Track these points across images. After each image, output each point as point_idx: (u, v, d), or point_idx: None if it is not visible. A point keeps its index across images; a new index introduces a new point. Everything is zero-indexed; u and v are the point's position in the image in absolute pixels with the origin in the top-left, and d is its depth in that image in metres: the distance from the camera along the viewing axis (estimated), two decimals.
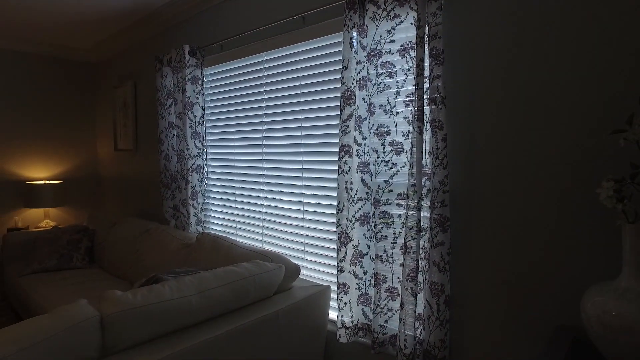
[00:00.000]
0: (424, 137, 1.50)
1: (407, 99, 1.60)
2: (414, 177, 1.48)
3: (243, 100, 2.45)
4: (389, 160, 1.63)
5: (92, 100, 4.29)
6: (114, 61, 3.91)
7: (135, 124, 3.57)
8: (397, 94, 1.62)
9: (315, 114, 2.04)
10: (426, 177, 1.54)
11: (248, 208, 2.48)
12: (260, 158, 2.36)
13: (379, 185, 1.65)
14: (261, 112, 2.34)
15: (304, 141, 2.10)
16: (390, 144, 1.63)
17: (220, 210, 2.71)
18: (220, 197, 2.69)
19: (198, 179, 2.74)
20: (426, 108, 1.52)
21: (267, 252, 1.93)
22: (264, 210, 2.36)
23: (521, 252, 1.38)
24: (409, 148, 1.60)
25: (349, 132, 1.70)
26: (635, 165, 1.07)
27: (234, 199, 2.58)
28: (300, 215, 2.15)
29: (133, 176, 3.73)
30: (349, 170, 1.71)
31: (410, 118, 1.59)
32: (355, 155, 1.75)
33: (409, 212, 1.50)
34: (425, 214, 1.55)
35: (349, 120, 1.70)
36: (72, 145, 4.16)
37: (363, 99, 1.73)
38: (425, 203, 1.55)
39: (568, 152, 1.27)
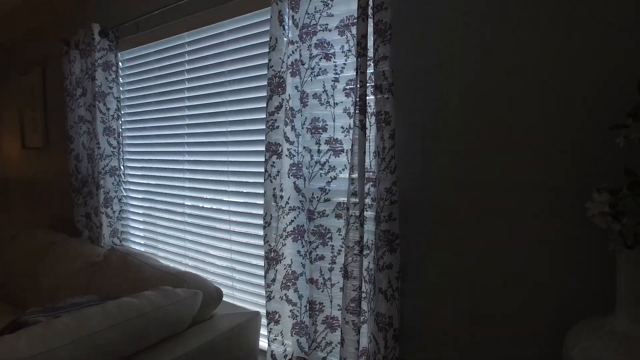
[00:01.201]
0: (368, 134, 1.21)
1: (348, 86, 1.30)
2: (354, 183, 1.18)
3: (163, 90, 2.07)
4: (325, 162, 1.33)
5: None
6: (20, 43, 3.36)
7: (44, 118, 3.06)
8: (336, 80, 1.31)
9: (242, 105, 1.70)
10: (370, 183, 1.25)
11: (170, 217, 2.10)
12: (182, 159, 1.99)
13: (312, 193, 1.34)
14: (183, 105, 1.97)
15: (230, 138, 1.76)
16: (327, 141, 1.32)
17: (141, 219, 2.30)
18: (140, 204, 2.29)
19: (113, 183, 2.32)
20: (370, 98, 1.22)
21: (183, 275, 1.57)
22: (187, 219, 1.99)
23: (488, 277, 1.12)
24: (350, 147, 1.30)
25: (278, 127, 1.38)
26: (632, 171, 0.83)
27: (155, 206, 2.18)
28: (227, 227, 1.80)
29: (43, 178, 3.21)
30: (277, 175, 1.39)
31: (352, 110, 1.29)
32: (287, 155, 1.43)
33: (350, 226, 1.20)
34: (369, 227, 1.26)
35: (278, 113, 1.38)
36: None
37: (296, 87, 1.42)
38: (369, 214, 1.26)
39: (550, 152, 1.02)
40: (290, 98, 1.41)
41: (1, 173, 3.76)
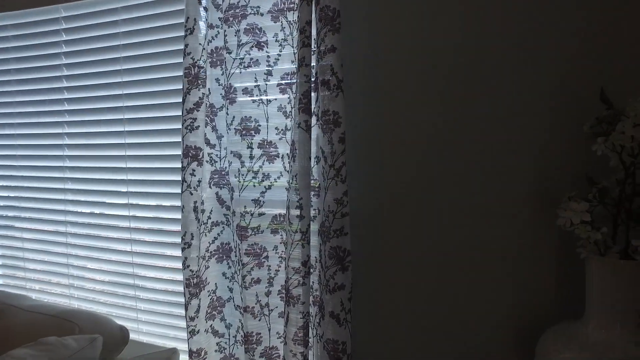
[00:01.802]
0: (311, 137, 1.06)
1: (283, 81, 1.12)
2: (298, 193, 1.02)
3: (29, 77, 1.62)
4: (258, 170, 1.13)
5: None
6: None
7: None
8: (269, 74, 1.13)
9: (144, 100, 1.40)
10: (312, 193, 1.09)
11: (44, 239, 1.66)
12: (62, 165, 1.58)
13: (245, 207, 1.14)
14: (61, 97, 1.56)
15: (128, 140, 1.44)
16: (260, 145, 1.13)
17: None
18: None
19: None
20: (313, 95, 1.07)
21: (72, 314, 1.23)
22: (70, 240, 1.59)
23: (448, 291, 1.06)
24: (286, 152, 1.13)
25: (198, 127, 1.14)
26: (592, 180, 0.82)
27: (20, 225, 1.72)
28: (127, 248, 1.48)
29: None
30: (198, 185, 1.15)
31: (288, 108, 1.12)
32: (207, 161, 1.20)
33: (293, 244, 1.03)
34: (313, 243, 1.11)
35: (198, 110, 1.14)
36: None
37: (217, 79, 1.19)
38: (313, 228, 1.11)
39: (512, 156, 0.98)
40: (210, 93, 1.19)
41: None
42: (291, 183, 1.04)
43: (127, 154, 1.44)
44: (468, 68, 0.99)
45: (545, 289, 0.96)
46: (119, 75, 1.43)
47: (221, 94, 1.20)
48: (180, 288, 1.41)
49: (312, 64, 1.04)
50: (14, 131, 1.68)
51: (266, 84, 1.13)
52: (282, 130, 1.13)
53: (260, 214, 1.13)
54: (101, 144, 1.49)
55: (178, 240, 1.38)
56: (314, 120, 1.08)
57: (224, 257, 1.23)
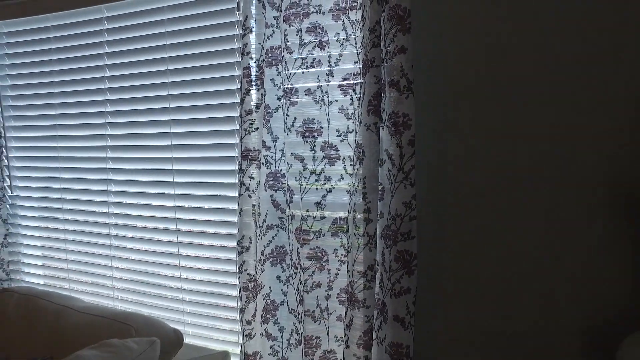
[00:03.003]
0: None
1: (345, 82, 1.10)
2: (366, 197, 1.00)
3: (71, 79, 1.61)
4: (320, 172, 1.12)
5: None
6: None
7: None
8: (330, 74, 1.11)
9: (191, 101, 1.39)
10: (378, 198, 1.08)
11: (86, 240, 1.66)
12: (105, 167, 1.57)
13: (307, 210, 1.12)
14: (102, 98, 1.55)
15: (175, 142, 1.42)
16: (322, 147, 1.11)
17: (39, 244, 1.79)
18: (38, 224, 1.77)
19: None
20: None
21: (127, 316, 1.21)
22: (114, 243, 1.58)
23: (517, 295, 1.04)
24: (348, 154, 1.11)
25: (257, 129, 1.13)
26: None
27: (62, 227, 1.71)
28: (174, 250, 1.46)
29: None
30: (257, 188, 1.14)
31: (351, 110, 1.10)
32: (264, 164, 1.18)
33: (359, 248, 1.02)
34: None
35: (255, 112, 1.12)
36: None
37: (272, 80, 1.18)
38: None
39: (591, 159, 0.96)
40: (266, 94, 1.17)
41: None
42: (357, 186, 1.02)
43: (173, 155, 1.43)
44: (540, 69, 0.97)
45: (620, 295, 0.94)
46: (164, 76, 1.42)
47: (277, 94, 1.18)
48: (226, 290, 1.39)
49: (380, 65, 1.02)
50: (56, 132, 1.68)
51: (328, 85, 1.11)
52: (343, 132, 1.11)
53: (322, 217, 1.11)
54: (146, 146, 1.48)
55: (225, 242, 1.37)
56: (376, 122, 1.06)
57: (279, 261, 1.21)
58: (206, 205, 1.39)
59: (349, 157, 1.11)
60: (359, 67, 1.09)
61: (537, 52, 0.97)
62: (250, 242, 1.14)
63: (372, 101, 0.99)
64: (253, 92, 1.11)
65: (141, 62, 1.46)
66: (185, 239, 1.44)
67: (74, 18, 1.57)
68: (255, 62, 1.11)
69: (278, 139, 1.19)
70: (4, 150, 1.80)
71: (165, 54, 1.41)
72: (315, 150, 1.11)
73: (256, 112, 1.12)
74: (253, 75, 1.10)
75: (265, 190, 1.20)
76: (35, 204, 1.77)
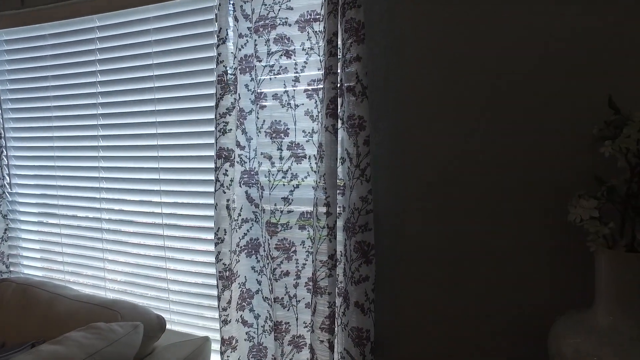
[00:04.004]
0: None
1: (310, 87, 1.20)
2: (325, 191, 1.10)
3: (64, 84, 1.72)
4: (287, 170, 1.22)
5: None
6: None
7: None
8: (296, 80, 1.21)
9: (176, 104, 1.49)
10: (339, 192, 1.17)
11: (80, 234, 1.77)
12: (97, 165, 1.68)
13: (275, 204, 1.22)
14: (95, 101, 1.66)
15: (161, 142, 1.53)
16: (289, 147, 1.21)
17: (38, 239, 1.90)
18: (37, 219, 1.89)
19: None
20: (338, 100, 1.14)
21: (114, 303, 1.32)
22: (106, 236, 1.70)
23: (466, 283, 1.13)
24: (313, 153, 1.21)
25: (230, 130, 1.23)
26: (601, 179, 0.88)
27: (58, 222, 1.82)
28: (159, 243, 1.57)
29: None
30: (230, 184, 1.24)
31: (315, 113, 1.20)
32: (238, 162, 1.28)
33: (321, 239, 1.12)
34: (339, 238, 1.19)
35: (230, 114, 1.23)
36: None
37: (246, 85, 1.27)
38: (338, 224, 1.19)
39: (530, 159, 1.05)
40: (240, 98, 1.27)
41: None
42: (319, 182, 1.12)
43: (159, 154, 1.53)
44: (486, 75, 1.06)
45: (557, 281, 1.03)
46: (151, 81, 1.52)
47: (250, 99, 1.28)
48: (210, 280, 1.50)
49: (337, 72, 1.12)
50: (52, 133, 1.79)
51: (294, 90, 1.21)
52: (309, 132, 1.21)
53: (289, 211, 1.21)
54: (134, 145, 1.59)
55: (206, 235, 1.47)
56: (339, 123, 1.16)
57: (253, 252, 1.32)
58: (190, 201, 1.50)
59: (314, 155, 1.21)
60: (322, 74, 1.19)
61: (480, 58, 1.06)
62: (225, 234, 1.24)
63: (330, 105, 1.08)
64: (227, 96, 1.21)
65: (130, 69, 1.56)
66: (171, 232, 1.54)
67: (68, 27, 1.68)
68: (229, 69, 1.21)
69: (252, 139, 1.29)
70: (4, 150, 1.91)
71: (151, 60, 1.51)
72: (282, 150, 1.21)
73: (229, 115, 1.22)
74: (228, 82, 1.21)
75: (240, 186, 1.30)
76: (33, 200, 1.88)
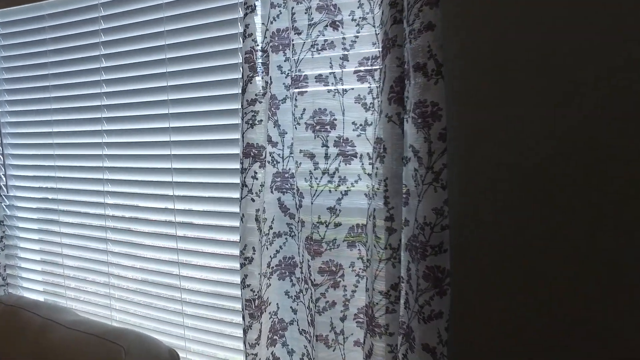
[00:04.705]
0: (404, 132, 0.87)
1: (362, 67, 0.94)
2: (387, 200, 0.84)
3: (66, 71, 1.49)
4: (334, 172, 0.96)
5: None
6: None
7: None
8: (344, 59, 0.95)
9: (192, 92, 1.24)
10: (402, 203, 0.91)
11: (85, 245, 1.54)
12: (101, 165, 1.45)
13: (319, 216, 0.96)
14: (99, 90, 1.43)
15: (174, 138, 1.29)
16: (336, 143, 0.96)
17: (38, 248, 1.68)
18: (37, 226, 1.67)
19: None
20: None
21: (118, 334, 1.09)
22: (110, 248, 1.46)
23: (565, 327, 0.86)
24: (366, 151, 0.95)
25: (261, 121, 0.98)
26: None
27: (59, 230, 1.60)
28: (173, 257, 1.33)
29: None
30: (260, 190, 0.99)
31: (369, 99, 0.94)
32: (269, 162, 1.03)
33: (380, 263, 0.86)
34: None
35: (259, 102, 0.98)
36: None
37: (279, 66, 1.02)
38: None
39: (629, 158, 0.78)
40: (272, 82, 1.02)
41: None
42: (377, 188, 0.86)
43: (172, 153, 1.29)
44: (582, 64, 0.79)
45: None
46: (163, 66, 1.28)
47: (285, 83, 1.03)
48: (233, 304, 1.25)
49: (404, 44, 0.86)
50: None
51: (342, 71, 0.95)
52: (360, 125, 0.95)
53: (337, 225, 0.95)
54: (144, 142, 1.35)
55: (230, 250, 1.22)
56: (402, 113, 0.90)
57: (287, 274, 1.06)
58: (208, 209, 1.25)
59: (368, 154, 0.95)
60: (378, 50, 0.93)
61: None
62: (254, 253, 0.99)
63: (395, 87, 0.82)
64: (257, 79, 0.96)
65: (138, 51, 1.32)
66: (186, 245, 1.30)
67: (69, 5, 1.45)
68: (259, 45, 0.96)
69: (286, 133, 1.03)
70: (1, 147, 1.70)
71: (163, 41, 1.27)
72: (327, 147, 0.95)
73: (260, 102, 0.97)
74: (258, 60, 0.96)
75: (272, 192, 1.05)
76: (33, 205, 1.66)
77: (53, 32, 1.50)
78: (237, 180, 1.19)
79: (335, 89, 0.95)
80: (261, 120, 0.98)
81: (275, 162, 1.04)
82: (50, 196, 1.60)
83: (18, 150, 1.68)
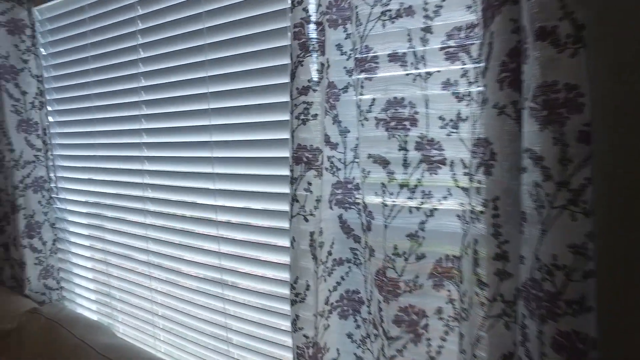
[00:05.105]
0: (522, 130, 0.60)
1: (452, 42, 0.68)
2: (499, 231, 0.58)
3: (103, 65, 1.37)
4: (416, 185, 0.70)
5: None
6: None
7: None
8: (427, 30, 0.69)
9: (233, 82, 1.04)
10: (520, 233, 0.64)
11: (127, 254, 1.42)
12: (141, 168, 1.31)
13: (395, 247, 0.72)
14: (137, 85, 1.28)
15: (215, 136, 1.10)
16: (418, 145, 0.70)
17: (89, 255, 1.59)
18: (87, 232, 1.58)
19: (41, 202, 1.60)
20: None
21: None
22: (152, 259, 1.32)
23: None
24: (458, 155, 0.69)
25: (314, 117, 0.75)
26: None
27: (104, 236, 1.49)
28: (216, 275, 1.15)
29: None
30: (316, 206, 0.76)
31: (463, 85, 0.67)
32: (327, 169, 0.80)
33: (487, 320, 0.60)
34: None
35: (313, 91, 0.75)
36: None
37: (339, 46, 0.79)
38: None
39: None
40: (329, 65, 0.78)
41: None
42: (480, 211, 0.60)
43: (213, 155, 1.11)
44: None
45: None
46: (202, 53, 1.09)
47: (346, 67, 0.79)
48: (284, 338, 1.05)
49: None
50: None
51: (424, 48, 0.69)
52: (450, 121, 0.69)
53: (420, 257, 0.70)
54: (183, 142, 1.18)
55: (281, 274, 1.02)
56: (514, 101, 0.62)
57: (351, 312, 0.83)
58: (255, 223, 1.05)
59: (462, 161, 0.68)
60: (476, 16, 0.66)
61: None
62: (308, 289, 0.77)
63: (508, 64, 0.56)
64: (311, 61, 0.73)
65: (176, 38, 1.15)
66: (230, 263, 1.11)
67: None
68: (312, 16, 0.72)
69: (349, 132, 0.80)
70: (51, 148, 1.63)
71: (202, 24, 1.08)
72: (406, 150, 0.70)
73: (314, 91, 0.74)
74: (310, 36, 0.72)
75: (331, 208, 0.82)
76: (83, 209, 1.58)
77: (92, 23, 1.37)
78: (285, 189, 0.98)
79: (416, 72, 0.69)
80: (316, 114, 0.75)
81: (335, 169, 0.81)
82: (95, 200, 1.50)
83: (65, 150, 1.60)
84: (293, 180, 0.77)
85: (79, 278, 1.64)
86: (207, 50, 1.08)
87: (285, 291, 0.99)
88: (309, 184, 0.76)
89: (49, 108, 1.61)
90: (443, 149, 0.69)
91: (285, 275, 1.00)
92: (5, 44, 1.47)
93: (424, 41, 0.69)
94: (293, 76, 0.74)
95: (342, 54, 0.79)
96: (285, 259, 1.00)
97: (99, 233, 1.50)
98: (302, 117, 0.75)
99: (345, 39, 0.79)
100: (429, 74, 0.69)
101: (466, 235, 0.64)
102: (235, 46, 1.02)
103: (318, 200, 0.76)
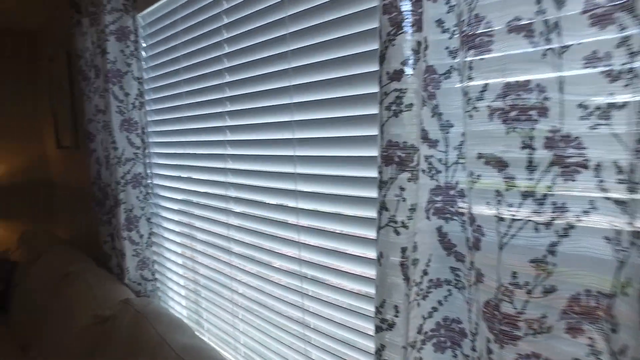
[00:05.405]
0: None
1: (595, 6, 0.49)
2: None
3: (191, 63, 1.37)
4: (545, 195, 0.53)
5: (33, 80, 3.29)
6: (52, 23, 2.86)
7: (72, 111, 2.54)
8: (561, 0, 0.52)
9: (316, 73, 0.95)
10: None
11: (212, 253, 1.42)
12: (224, 166, 1.29)
13: (513, 274, 0.56)
14: (222, 81, 1.26)
15: (297, 134, 1.02)
16: (549, 142, 0.53)
17: (180, 251, 1.64)
18: (178, 229, 1.63)
19: (138, 197, 1.69)
20: None
21: None
22: (234, 261, 1.29)
23: None
24: (610, 157, 0.50)
25: (408, 107, 0.62)
26: None
27: (195, 234, 1.52)
28: (296, 283, 1.08)
29: (74, 184, 2.74)
30: (410, 216, 0.63)
31: (618, 60, 0.49)
32: (426, 171, 0.66)
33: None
34: None
35: (406, 76, 0.61)
36: (16, 138, 3.22)
37: (439, 22, 0.64)
38: None
39: None
40: (427, 45, 0.64)
41: (45, 174, 3.37)
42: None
43: (296, 154, 1.03)
44: None
45: None
46: (284, 44, 1.02)
47: (448, 48, 0.65)
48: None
49: None
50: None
51: (559, 15, 0.52)
52: (596, 109, 0.51)
53: (548, 290, 0.53)
54: (266, 140, 1.12)
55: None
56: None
57: (449, 344, 0.69)
58: (340, 230, 0.95)
59: (615, 163, 0.50)
60: None
61: None
62: (397, 313, 0.64)
63: None
64: (404, 40, 0.60)
65: (256, 30, 1.09)
66: (309, 271, 1.03)
67: None
68: None
69: (452, 126, 0.65)
70: (147, 146, 1.71)
71: (284, 11, 1.00)
72: (532, 148, 0.53)
73: (409, 75, 0.60)
74: (404, 8, 0.59)
75: (428, 218, 0.68)
76: (175, 206, 1.62)
77: (183, 23, 1.39)
78: (372, 193, 0.85)
79: (546, 47, 0.52)
80: (411, 104, 0.61)
81: (434, 172, 0.67)
82: (183, 197, 1.53)
83: (160, 148, 1.66)
84: (382, 184, 0.65)
85: (171, 273, 1.70)
86: (288, 41, 1.00)
87: (370, 307, 0.87)
88: (402, 189, 0.63)
89: (147, 108, 1.69)
90: (584, 147, 0.51)
91: (369, 290, 0.88)
92: (114, 50, 1.57)
93: (559, 2, 0.52)
94: (382, 59, 0.62)
95: (443, 31, 0.65)
96: (370, 272, 0.88)
97: (187, 230, 1.52)
98: (393, 107, 0.62)
99: (448, 12, 0.64)
100: (565, 47, 0.52)
101: (623, 265, 0.46)
102: (318, 33, 0.93)
103: (412, 209, 0.63)
